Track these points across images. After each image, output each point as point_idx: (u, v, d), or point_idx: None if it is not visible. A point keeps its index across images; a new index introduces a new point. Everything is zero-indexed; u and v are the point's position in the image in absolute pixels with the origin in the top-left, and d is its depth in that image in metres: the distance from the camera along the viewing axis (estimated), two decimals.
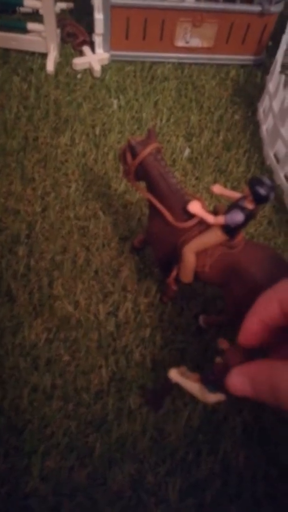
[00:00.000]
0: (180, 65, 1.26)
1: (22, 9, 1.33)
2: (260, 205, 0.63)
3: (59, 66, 1.21)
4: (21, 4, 1.26)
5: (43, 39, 1.19)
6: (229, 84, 1.24)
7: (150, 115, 1.13)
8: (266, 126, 1.12)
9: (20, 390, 0.72)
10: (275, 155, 1.07)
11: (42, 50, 1.21)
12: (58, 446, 0.68)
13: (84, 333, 0.78)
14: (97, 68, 1.19)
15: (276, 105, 1.05)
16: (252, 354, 0.43)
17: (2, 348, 0.76)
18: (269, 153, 1.07)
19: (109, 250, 0.88)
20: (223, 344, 0.56)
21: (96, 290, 0.83)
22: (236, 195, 0.66)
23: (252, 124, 1.15)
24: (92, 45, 1.25)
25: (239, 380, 0.38)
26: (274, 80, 1.10)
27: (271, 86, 1.11)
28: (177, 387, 0.65)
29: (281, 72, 1.10)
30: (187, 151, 1.07)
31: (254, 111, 1.18)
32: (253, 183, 0.61)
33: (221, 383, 0.42)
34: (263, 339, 0.40)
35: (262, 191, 0.60)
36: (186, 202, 0.67)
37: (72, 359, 0.76)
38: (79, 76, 1.20)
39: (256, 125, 1.15)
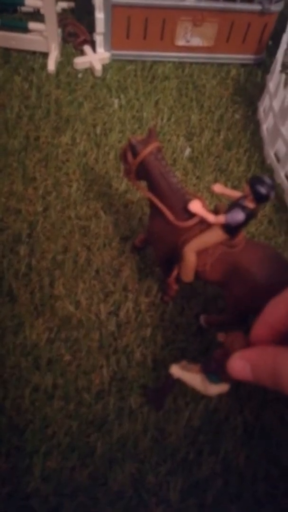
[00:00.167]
0: (181, 65, 1.26)
1: (23, 9, 1.33)
2: (261, 204, 0.63)
3: (60, 65, 1.21)
4: (22, 4, 1.26)
5: (44, 38, 1.19)
6: (229, 84, 1.24)
7: (150, 115, 1.13)
8: (266, 125, 1.12)
9: (22, 389, 0.72)
10: (276, 154, 1.06)
11: (43, 49, 1.21)
12: (60, 446, 0.68)
13: (85, 333, 0.78)
14: (98, 67, 1.19)
15: (276, 104, 1.05)
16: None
17: (3, 347, 0.76)
18: (270, 152, 1.07)
19: (110, 249, 0.88)
20: (222, 338, 0.56)
21: (97, 290, 0.83)
22: (236, 194, 0.66)
23: (252, 123, 1.15)
24: (93, 45, 1.25)
25: (240, 364, 0.38)
26: (274, 79, 1.10)
27: (271, 85, 1.10)
28: (179, 385, 0.65)
29: (282, 71, 1.10)
30: (187, 151, 1.06)
31: (255, 110, 1.18)
32: (254, 182, 0.61)
33: (223, 370, 0.42)
34: (273, 341, 0.40)
35: (262, 190, 0.60)
36: (187, 201, 0.66)
37: (73, 359, 0.76)
38: (80, 75, 1.20)
39: (257, 124, 1.15)
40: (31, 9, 1.33)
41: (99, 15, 1.16)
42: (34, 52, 1.22)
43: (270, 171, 1.06)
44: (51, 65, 1.18)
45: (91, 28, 1.24)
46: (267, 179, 0.61)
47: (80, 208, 0.94)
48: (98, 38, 1.22)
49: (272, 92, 1.09)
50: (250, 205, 0.63)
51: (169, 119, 1.12)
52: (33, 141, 1.04)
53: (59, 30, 1.21)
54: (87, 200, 0.95)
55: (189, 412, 0.72)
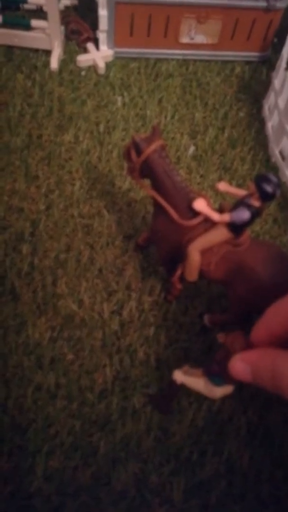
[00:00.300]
0: (185, 62, 1.25)
1: (26, 6, 1.32)
2: (266, 202, 0.62)
3: (63, 63, 1.21)
4: (25, 1, 1.25)
5: (47, 36, 1.18)
6: (234, 81, 1.23)
7: (154, 112, 1.12)
8: (271, 123, 1.11)
9: (24, 389, 0.72)
10: (281, 153, 1.06)
11: (46, 47, 1.21)
12: (62, 445, 0.68)
13: (88, 332, 0.78)
14: (101, 65, 1.18)
15: (281, 102, 1.04)
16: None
17: (6, 346, 0.76)
18: (275, 151, 1.06)
19: (113, 248, 0.88)
20: (221, 338, 0.56)
21: (100, 289, 0.83)
22: (241, 192, 0.65)
23: (257, 121, 1.14)
24: (96, 42, 1.24)
25: (241, 366, 0.38)
26: (279, 76, 1.09)
27: (276, 82, 1.09)
28: (183, 388, 0.65)
29: (287, 68, 1.09)
30: (191, 149, 1.06)
31: (259, 108, 1.17)
32: (259, 180, 0.60)
33: (225, 371, 0.42)
34: (273, 344, 0.40)
35: (268, 188, 0.60)
36: (191, 200, 0.66)
37: (76, 358, 0.75)
38: (83, 73, 1.19)
39: (261, 122, 1.14)
40: (34, 7, 1.32)
41: (102, 12, 1.15)
42: (37, 50, 1.21)
43: (275, 170, 1.05)
44: (54, 63, 1.18)
45: (94, 25, 1.23)
46: (272, 177, 0.60)
47: (83, 206, 0.93)
48: (101, 36, 1.21)
49: (277, 90, 1.08)
50: (256, 203, 0.62)
51: (173, 117, 1.12)
52: (36, 139, 1.04)
53: (62, 28, 1.21)
54: (90, 198, 0.95)
55: (192, 412, 0.71)
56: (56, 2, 1.11)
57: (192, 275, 0.69)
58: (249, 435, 0.71)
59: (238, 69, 1.26)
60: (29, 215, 0.91)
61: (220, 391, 0.60)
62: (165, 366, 0.76)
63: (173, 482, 0.66)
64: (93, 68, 1.21)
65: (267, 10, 1.17)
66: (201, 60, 1.26)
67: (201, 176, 1.02)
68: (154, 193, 0.70)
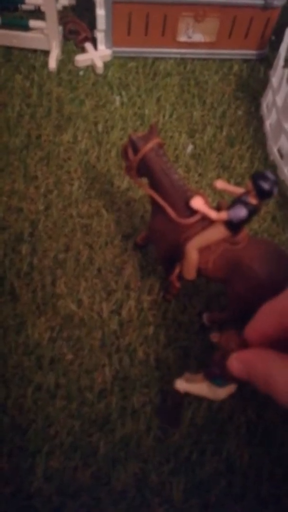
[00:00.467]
0: (183, 61, 1.25)
1: (23, 7, 1.32)
2: (264, 200, 0.62)
3: (61, 63, 1.21)
4: (23, 2, 1.25)
5: (45, 36, 1.18)
6: (232, 79, 1.22)
7: (152, 111, 1.12)
8: (269, 121, 1.10)
9: (24, 389, 0.72)
10: (279, 151, 1.05)
11: (44, 47, 1.21)
12: (62, 445, 0.68)
13: (87, 332, 0.78)
14: (99, 64, 1.18)
15: (279, 100, 1.04)
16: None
17: (5, 346, 0.76)
18: (273, 149, 1.06)
19: (112, 248, 0.88)
20: (215, 338, 0.56)
21: (99, 288, 0.83)
22: (239, 190, 0.65)
23: (255, 119, 1.14)
24: (94, 42, 1.24)
25: (238, 366, 0.39)
26: (277, 74, 1.09)
27: (274, 80, 1.09)
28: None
29: (285, 66, 1.09)
30: (190, 147, 1.06)
31: (257, 106, 1.17)
32: (256, 177, 0.60)
33: (225, 371, 0.42)
34: (266, 344, 0.40)
35: (265, 185, 0.60)
36: (189, 198, 0.66)
37: (76, 358, 0.75)
38: (81, 73, 1.19)
39: (260, 121, 1.14)
40: (31, 7, 1.32)
41: (100, 12, 1.15)
42: (35, 50, 1.21)
43: (273, 168, 1.05)
44: (52, 63, 1.18)
45: (92, 25, 1.23)
46: (270, 175, 0.60)
47: (81, 206, 0.93)
48: (99, 35, 1.21)
49: (275, 88, 1.07)
50: (253, 201, 0.62)
51: (171, 116, 1.11)
52: (35, 140, 1.04)
53: (60, 28, 1.21)
54: (89, 198, 0.95)
55: (192, 412, 0.71)
56: (53, 2, 1.11)
57: (190, 273, 0.69)
58: (248, 434, 0.71)
59: (236, 68, 1.25)
60: (28, 215, 0.91)
61: (224, 392, 0.60)
62: (165, 365, 0.76)
63: (173, 481, 0.66)
64: (91, 68, 1.21)
65: (264, 8, 1.16)
66: (199, 59, 1.26)
67: (200, 174, 1.01)
68: (151, 192, 0.70)
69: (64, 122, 1.08)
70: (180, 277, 0.73)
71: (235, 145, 1.07)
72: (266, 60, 1.28)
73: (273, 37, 1.30)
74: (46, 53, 1.21)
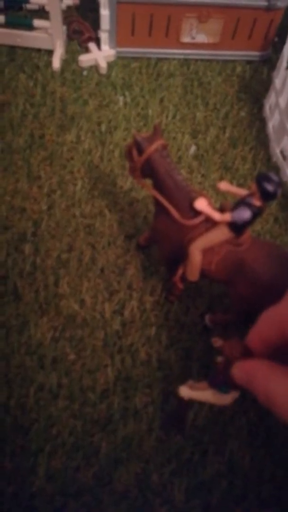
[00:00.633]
0: (186, 62, 1.25)
1: (28, 6, 1.32)
2: (268, 202, 0.62)
3: (65, 63, 1.21)
4: (27, 1, 1.25)
5: (49, 36, 1.18)
6: (235, 81, 1.22)
7: (156, 112, 1.12)
8: (272, 123, 1.10)
9: (26, 389, 0.72)
10: (282, 152, 1.05)
11: (48, 47, 1.21)
12: (64, 445, 0.68)
13: (90, 332, 0.78)
14: (103, 65, 1.18)
15: (282, 102, 1.04)
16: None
17: (8, 346, 0.76)
18: (276, 150, 1.06)
19: (115, 248, 0.88)
20: (217, 342, 0.56)
21: (102, 289, 0.83)
22: (242, 192, 0.65)
23: (258, 120, 1.14)
24: (98, 42, 1.24)
25: (240, 375, 0.40)
26: (280, 76, 1.09)
27: (277, 82, 1.09)
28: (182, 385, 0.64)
29: None
30: (193, 148, 1.06)
31: (260, 108, 1.17)
32: (261, 179, 0.60)
33: (229, 379, 0.43)
34: (269, 351, 0.41)
35: (269, 187, 0.60)
36: (193, 199, 0.66)
37: (78, 358, 0.76)
38: (85, 73, 1.19)
39: (262, 122, 1.14)
40: (36, 7, 1.32)
41: (104, 12, 1.15)
42: (39, 50, 1.22)
43: (276, 169, 1.05)
44: (56, 63, 1.18)
45: (96, 25, 1.23)
46: (274, 177, 0.60)
47: (84, 206, 0.93)
48: (103, 35, 1.21)
49: (278, 89, 1.08)
50: (257, 203, 0.62)
51: (174, 117, 1.12)
52: (38, 139, 1.04)
53: (64, 28, 1.21)
54: (92, 198, 0.95)
55: (194, 413, 0.71)
56: (58, 2, 1.11)
57: (193, 274, 0.69)
58: (250, 435, 0.71)
59: (239, 69, 1.25)
60: (31, 215, 0.91)
61: (229, 397, 0.59)
62: (167, 366, 0.76)
63: (174, 482, 0.66)
64: (95, 68, 1.21)
65: (268, 9, 1.16)
66: (202, 60, 1.26)
67: (202, 175, 1.01)
68: (155, 193, 0.70)
69: (68, 122, 1.08)
70: (183, 278, 0.73)
71: (238, 146, 1.07)
72: (269, 62, 1.28)
73: (276, 39, 1.30)
74: (50, 52, 1.21)
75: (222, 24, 1.18)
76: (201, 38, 1.22)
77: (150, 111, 1.11)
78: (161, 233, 0.73)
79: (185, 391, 0.62)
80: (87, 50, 1.24)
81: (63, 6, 1.30)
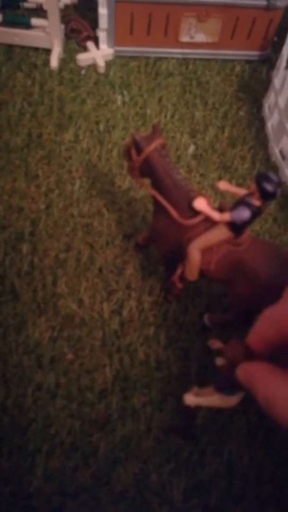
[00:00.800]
0: (185, 61, 1.25)
1: (25, 5, 1.31)
2: (267, 201, 0.62)
3: (63, 62, 1.20)
4: (25, 0, 1.25)
5: (47, 34, 1.18)
6: (234, 80, 1.22)
7: (154, 111, 1.12)
8: (271, 123, 1.10)
9: (24, 388, 0.72)
10: (281, 152, 1.05)
11: (46, 45, 1.20)
12: (62, 445, 0.68)
13: (88, 332, 0.78)
14: (101, 63, 1.18)
15: (281, 101, 1.04)
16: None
17: (5, 346, 0.75)
18: (275, 150, 1.06)
19: (113, 247, 0.88)
20: (214, 344, 0.56)
21: (100, 288, 0.82)
22: (241, 191, 0.65)
23: (257, 120, 1.14)
24: (96, 41, 1.24)
25: (243, 377, 0.40)
26: (279, 75, 1.09)
27: (276, 82, 1.09)
28: (182, 384, 0.64)
29: (287, 67, 1.09)
30: (191, 148, 1.05)
31: (259, 107, 1.17)
32: (260, 179, 0.60)
33: (234, 381, 0.43)
34: (269, 351, 0.41)
35: (269, 187, 0.59)
36: (192, 199, 0.66)
37: (76, 358, 0.75)
38: (83, 72, 1.19)
39: (261, 122, 1.14)
40: (34, 5, 1.32)
41: (102, 11, 1.15)
42: (37, 49, 1.21)
43: (275, 169, 1.05)
44: (54, 62, 1.17)
45: (94, 24, 1.23)
46: (273, 176, 0.60)
47: (83, 205, 0.93)
48: (101, 34, 1.21)
49: (277, 89, 1.07)
50: (256, 202, 0.62)
51: (172, 116, 1.11)
52: (36, 138, 1.03)
53: (62, 26, 1.20)
54: (90, 197, 0.95)
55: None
56: (56, 0, 1.11)
57: (192, 274, 0.69)
58: (249, 435, 0.71)
59: (238, 68, 1.25)
60: (29, 215, 0.91)
61: (235, 398, 0.59)
62: (165, 366, 0.76)
63: (173, 482, 0.66)
64: (93, 67, 1.21)
65: (267, 8, 1.16)
66: (201, 59, 1.26)
67: (201, 175, 1.01)
68: (154, 192, 0.69)
69: (66, 121, 1.07)
70: (182, 278, 0.73)
71: (237, 146, 1.07)
72: (269, 61, 1.28)
73: (275, 38, 1.30)
74: (48, 51, 1.21)
75: (221, 23, 1.18)
76: (200, 37, 1.21)
77: (148, 111, 1.11)
78: (160, 232, 0.73)
79: (191, 399, 0.61)
80: (85, 49, 1.24)
81: (61, 4, 1.30)
